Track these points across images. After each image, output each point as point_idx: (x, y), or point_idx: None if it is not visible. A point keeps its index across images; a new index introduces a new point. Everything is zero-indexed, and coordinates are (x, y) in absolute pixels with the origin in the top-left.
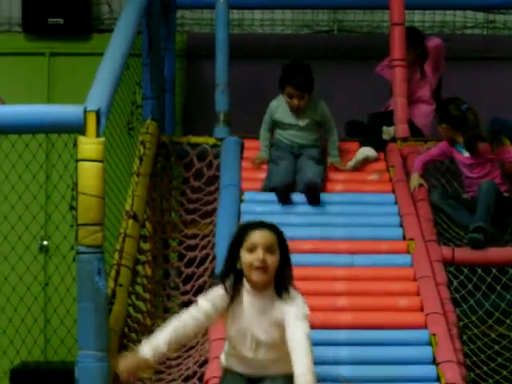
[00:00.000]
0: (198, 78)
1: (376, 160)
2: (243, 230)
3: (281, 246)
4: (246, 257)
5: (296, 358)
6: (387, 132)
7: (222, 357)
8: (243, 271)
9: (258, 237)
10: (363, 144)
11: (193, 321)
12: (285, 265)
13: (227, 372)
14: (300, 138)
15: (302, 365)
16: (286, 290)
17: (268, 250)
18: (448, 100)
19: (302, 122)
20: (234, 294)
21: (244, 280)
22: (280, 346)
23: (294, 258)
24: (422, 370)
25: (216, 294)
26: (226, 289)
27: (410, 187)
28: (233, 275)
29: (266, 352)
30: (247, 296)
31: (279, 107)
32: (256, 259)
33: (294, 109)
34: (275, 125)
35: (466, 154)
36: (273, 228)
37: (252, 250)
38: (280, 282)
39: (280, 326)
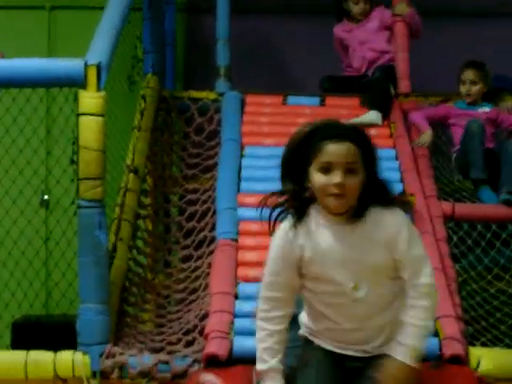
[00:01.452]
0: (199, 33)
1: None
2: (313, 141)
3: (366, 160)
4: (319, 179)
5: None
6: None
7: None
8: (314, 195)
9: (334, 152)
10: (371, 106)
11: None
12: (372, 184)
13: (309, 345)
14: None
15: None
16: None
17: (348, 169)
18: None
19: None
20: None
21: (314, 209)
22: (392, 285)
23: None
24: None
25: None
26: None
27: (414, 142)
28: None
29: (371, 299)
30: (324, 228)
31: None
32: (332, 183)
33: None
34: None
35: (486, 109)
36: (355, 138)
37: (327, 169)
38: (376, 194)
39: (389, 250)
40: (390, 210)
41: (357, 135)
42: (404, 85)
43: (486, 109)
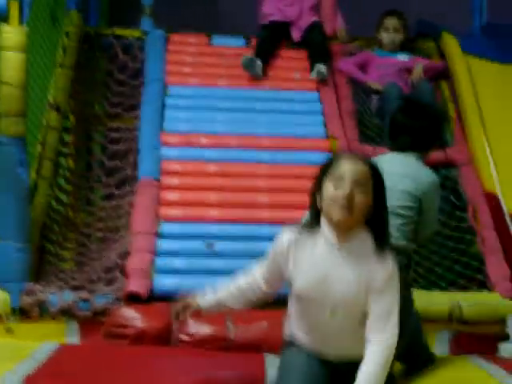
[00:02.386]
0: None
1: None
2: (331, 159)
3: (376, 186)
4: (330, 190)
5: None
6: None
7: (286, 326)
8: (323, 209)
9: (347, 168)
10: (316, 61)
11: (251, 291)
12: (380, 210)
13: (291, 345)
14: None
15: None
16: (383, 245)
17: (358, 185)
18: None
19: None
20: (305, 241)
21: (322, 224)
22: (360, 318)
23: (217, 154)
24: None
25: (275, 255)
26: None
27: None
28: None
29: (343, 318)
30: (325, 244)
31: None
32: (341, 194)
33: None
34: None
35: (406, 57)
36: (368, 162)
37: (338, 182)
38: (377, 232)
39: (365, 291)
40: (382, 258)
41: (369, 161)
42: (330, 28)
43: (405, 57)
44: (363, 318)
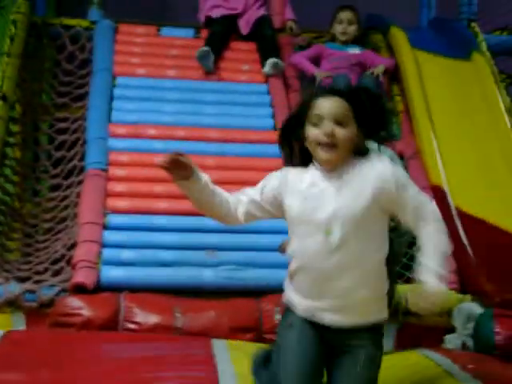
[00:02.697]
0: None
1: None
2: (307, 100)
3: (358, 115)
4: (311, 131)
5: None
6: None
7: (286, 287)
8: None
9: (323, 106)
10: (270, 56)
11: (226, 208)
12: (371, 135)
13: (288, 312)
14: None
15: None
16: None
17: (337, 121)
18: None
19: None
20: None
21: (314, 163)
22: (371, 235)
23: (165, 145)
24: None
25: (268, 184)
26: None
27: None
28: (299, 157)
29: (346, 249)
30: (318, 179)
31: None
32: (322, 133)
33: None
34: None
35: (357, 50)
36: (346, 95)
37: (318, 122)
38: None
39: (377, 200)
40: (377, 159)
41: (349, 93)
42: (278, 20)
43: (356, 50)
44: (365, 241)
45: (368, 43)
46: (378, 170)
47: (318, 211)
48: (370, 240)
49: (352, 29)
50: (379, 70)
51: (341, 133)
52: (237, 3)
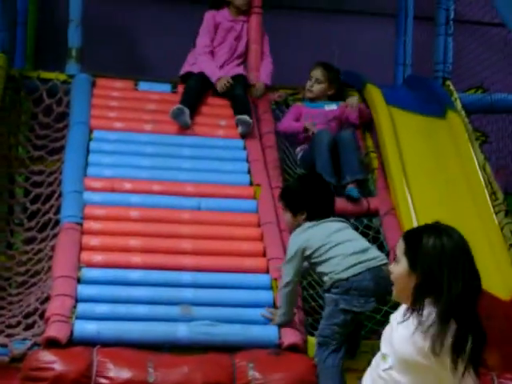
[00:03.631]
0: (52, 13)
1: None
2: None
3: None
4: None
5: None
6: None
7: None
8: None
9: None
10: (241, 113)
11: None
12: None
13: None
14: None
15: None
16: None
17: None
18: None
19: None
20: None
21: None
22: None
23: (141, 199)
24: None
25: None
26: None
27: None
28: None
29: None
30: None
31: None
32: None
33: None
34: None
35: (334, 106)
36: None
37: None
38: None
39: None
40: None
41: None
42: (254, 76)
43: (333, 106)
44: None
45: (345, 99)
46: None
47: None
48: None
49: (319, 87)
50: (353, 101)
51: None
52: (218, 60)
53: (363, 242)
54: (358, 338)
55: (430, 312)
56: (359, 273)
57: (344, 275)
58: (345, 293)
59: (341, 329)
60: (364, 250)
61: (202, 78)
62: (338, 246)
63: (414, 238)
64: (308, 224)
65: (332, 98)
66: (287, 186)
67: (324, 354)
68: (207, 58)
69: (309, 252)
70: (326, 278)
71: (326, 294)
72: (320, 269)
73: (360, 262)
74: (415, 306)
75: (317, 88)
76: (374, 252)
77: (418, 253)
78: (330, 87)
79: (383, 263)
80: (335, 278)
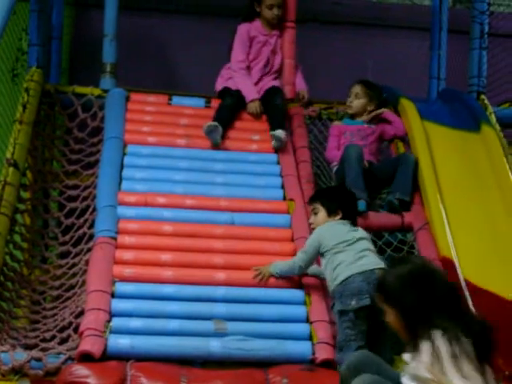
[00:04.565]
0: (87, 28)
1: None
2: None
3: None
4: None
5: None
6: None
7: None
8: None
9: None
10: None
11: None
12: None
13: None
14: None
15: None
16: None
17: None
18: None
19: None
20: None
21: None
22: None
23: (174, 214)
24: (296, 328)
25: None
26: None
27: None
28: None
29: None
30: None
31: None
32: None
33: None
34: None
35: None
36: None
37: None
38: None
39: None
40: None
41: None
42: (289, 90)
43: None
44: None
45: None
46: None
47: None
48: None
49: (358, 102)
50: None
51: None
52: (254, 75)
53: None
54: (384, 345)
55: None
56: (350, 276)
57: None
58: (340, 297)
59: (352, 330)
60: (361, 257)
61: (237, 95)
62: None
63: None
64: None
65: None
66: (325, 188)
67: (343, 358)
68: (243, 74)
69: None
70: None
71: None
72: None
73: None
74: None
75: (356, 103)
76: (371, 258)
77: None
78: (369, 103)
79: (378, 267)
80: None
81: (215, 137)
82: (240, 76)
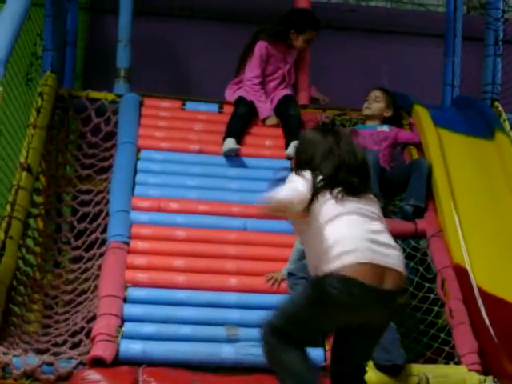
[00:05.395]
0: (101, 33)
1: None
2: None
3: None
4: None
5: None
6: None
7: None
8: None
9: None
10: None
11: None
12: None
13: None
14: None
15: None
16: None
17: None
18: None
19: None
20: None
21: None
22: None
23: (187, 219)
24: None
25: None
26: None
27: None
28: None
29: None
30: None
31: None
32: None
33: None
34: None
35: (386, 128)
36: None
37: None
38: None
39: None
40: None
41: None
42: (303, 96)
43: (385, 129)
44: None
45: (401, 125)
46: None
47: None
48: None
49: (377, 105)
50: None
51: None
52: (269, 89)
53: None
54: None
55: None
56: None
57: None
58: None
59: None
60: None
61: (251, 104)
62: None
63: None
64: None
65: (388, 122)
66: None
67: None
68: (257, 90)
69: None
70: None
71: None
72: None
73: None
74: None
75: (375, 106)
76: None
77: None
78: (387, 109)
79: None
80: None
81: (232, 154)
82: (254, 93)
